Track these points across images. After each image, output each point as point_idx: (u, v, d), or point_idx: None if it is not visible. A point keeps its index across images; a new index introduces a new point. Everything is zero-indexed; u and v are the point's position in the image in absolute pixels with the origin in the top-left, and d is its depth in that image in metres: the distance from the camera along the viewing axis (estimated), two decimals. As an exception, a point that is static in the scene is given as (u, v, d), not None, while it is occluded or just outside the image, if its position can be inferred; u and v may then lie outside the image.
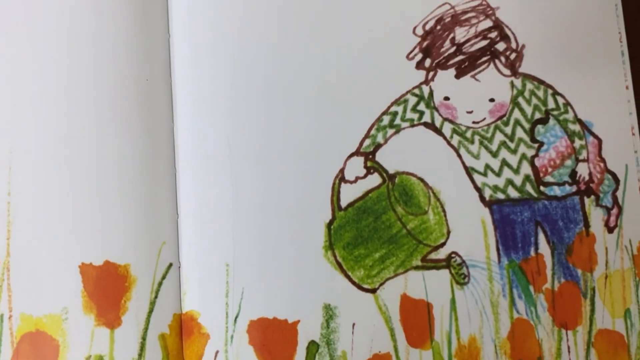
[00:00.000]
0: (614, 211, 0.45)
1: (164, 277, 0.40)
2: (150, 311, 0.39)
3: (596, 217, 0.44)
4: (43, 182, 0.39)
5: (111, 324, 0.39)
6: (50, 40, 0.41)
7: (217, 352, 0.40)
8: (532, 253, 0.44)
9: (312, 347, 0.41)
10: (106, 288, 0.39)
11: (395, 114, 0.44)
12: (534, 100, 0.45)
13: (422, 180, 0.43)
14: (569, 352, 0.42)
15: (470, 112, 0.45)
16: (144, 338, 0.39)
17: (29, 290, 0.38)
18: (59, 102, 0.40)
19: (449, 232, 0.43)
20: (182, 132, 0.42)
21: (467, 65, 0.45)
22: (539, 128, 0.45)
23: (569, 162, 0.45)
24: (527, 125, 0.45)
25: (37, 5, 0.41)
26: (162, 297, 0.40)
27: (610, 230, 0.44)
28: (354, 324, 0.41)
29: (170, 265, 0.40)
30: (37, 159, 0.40)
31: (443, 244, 0.43)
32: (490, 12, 0.46)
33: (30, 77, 0.40)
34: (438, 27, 0.45)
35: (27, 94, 0.40)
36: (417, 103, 0.44)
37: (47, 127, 0.40)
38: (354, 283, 0.42)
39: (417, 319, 0.42)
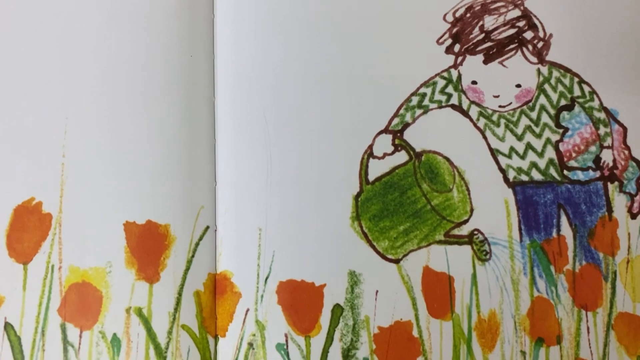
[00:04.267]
0: (638, 198, 0.46)
1: (200, 239, 0.44)
2: (187, 269, 0.43)
3: (619, 202, 0.46)
4: (94, 146, 0.44)
5: (150, 279, 0.43)
6: (104, 18, 0.46)
7: (247, 310, 0.44)
8: (554, 234, 0.46)
9: (337, 310, 0.44)
10: (147, 245, 0.43)
11: (424, 95, 0.47)
12: (560, 88, 0.48)
13: (447, 159, 0.46)
14: (588, 332, 0.44)
15: (497, 97, 0.47)
16: (180, 294, 0.43)
17: (78, 244, 0.43)
18: (110, 74, 0.45)
19: (472, 210, 0.46)
20: (221, 106, 0.46)
21: (495, 52, 0.48)
22: (564, 114, 0.48)
23: (593, 149, 0.47)
24: (552, 111, 0.47)
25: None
26: (198, 256, 0.44)
27: (634, 216, 0.46)
28: (377, 291, 0.44)
29: (207, 227, 0.44)
30: (90, 125, 0.44)
31: (466, 221, 0.45)
32: (519, 1, 0.49)
33: (85, 51, 0.45)
34: (468, 15, 0.49)
35: (81, 67, 0.45)
36: (446, 86, 0.48)
37: (99, 97, 0.45)
38: (378, 253, 0.45)
39: (438, 291, 0.44)
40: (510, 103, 0.47)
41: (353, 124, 0.46)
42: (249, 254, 0.44)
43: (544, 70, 0.48)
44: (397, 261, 0.45)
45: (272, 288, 0.44)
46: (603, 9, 0.48)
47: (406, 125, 0.47)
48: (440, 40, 0.48)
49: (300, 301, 0.43)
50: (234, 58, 0.47)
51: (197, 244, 0.44)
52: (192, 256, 0.43)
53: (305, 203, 0.45)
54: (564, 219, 0.46)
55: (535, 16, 0.48)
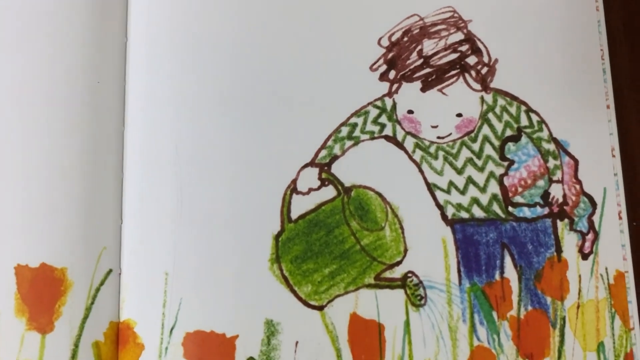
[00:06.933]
0: (590, 237, 0.44)
1: (102, 283, 0.41)
2: (85, 317, 0.40)
3: (569, 242, 0.44)
4: (-13, 180, 0.41)
5: (43, 329, 0.39)
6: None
7: (150, 363, 0.41)
8: (497, 277, 0.43)
9: (251, 364, 0.41)
10: (41, 291, 0.40)
11: (354, 125, 0.45)
12: (506, 117, 0.46)
13: (379, 194, 0.44)
14: (534, 385, 0.42)
15: (435, 127, 0.45)
16: (76, 345, 0.40)
17: (-38, 289, 0.39)
18: (5, 99, 0.42)
19: (406, 250, 0.43)
20: (131, 136, 0.43)
21: (434, 79, 0.46)
22: (510, 146, 0.45)
23: (541, 183, 0.45)
24: (496, 143, 0.45)
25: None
26: (98, 303, 0.40)
27: (585, 256, 0.44)
28: (297, 342, 0.41)
29: (110, 271, 0.41)
30: (-17, 158, 0.41)
31: (399, 263, 0.43)
32: (462, 24, 0.47)
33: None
34: (405, 39, 0.46)
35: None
36: (379, 115, 0.45)
37: (-3, 127, 0.42)
38: (299, 299, 0.42)
39: (366, 340, 0.42)
40: (450, 134, 0.45)
41: (275, 156, 0.44)
42: (153, 300, 0.41)
43: (488, 98, 0.46)
44: (320, 308, 0.42)
45: (177, 340, 0.41)
46: (553, 32, 0.47)
47: (334, 157, 0.44)
48: (374, 67, 0.46)
49: (208, 355, 0.40)
50: (146, 84, 0.44)
51: (97, 290, 0.41)
52: (92, 303, 0.40)
53: (218, 244, 0.42)
54: (508, 260, 0.43)
55: (479, 40, 0.47)
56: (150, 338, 0.41)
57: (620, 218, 0.44)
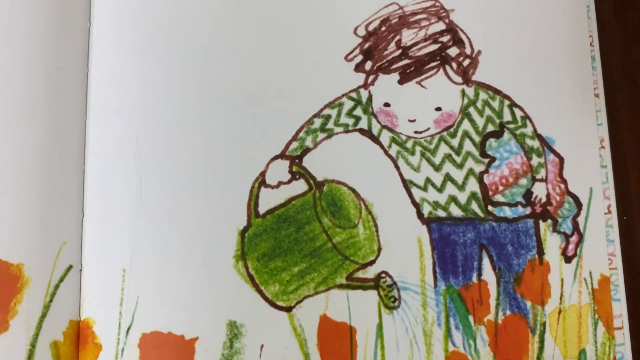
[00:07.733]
0: (574, 239, 0.43)
1: (61, 280, 0.39)
2: (43, 316, 0.39)
3: (552, 244, 0.42)
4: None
5: (-3, 328, 0.38)
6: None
7: (107, 364, 0.39)
8: (475, 279, 0.42)
9: (212, 368, 0.39)
10: (-5, 288, 0.38)
11: (328, 117, 0.43)
12: (487, 112, 0.44)
13: (353, 190, 0.42)
14: (511, 393, 0.40)
15: (413, 121, 0.44)
16: (33, 345, 0.38)
17: None
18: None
19: (379, 249, 0.42)
20: (94, 126, 0.42)
21: (412, 71, 0.44)
22: (491, 142, 0.44)
23: (523, 181, 0.43)
24: (477, 138, 0.44)
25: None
26: (58, 301, 0.39)
27: (568, 259, 0.42)
28: (262, 346, 0.40)
29: (70, 267, 0.40)
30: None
31: (372, 262, 0.41)
32: (444, 14, 0.45)
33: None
34: (383, 28, 0.45)
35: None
36: (354, 107, 0.43)
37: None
38: (266, 299, 0.41)
39: (337, 344, 0.40)
40: (428, 128, 0.44)
41: (243, 148, 0.42)
42: (111, 298, 0.40)
43: (470, 91, 0.44)
44: (289, 309, 0.41)
45: (134, 341, 0.39)
46: (539, 21, 0.45)
47: (306, 150, 0.43)
48: (350, 57, 0.44)
49: (166, 358, 0.39)
50: (110, 71, 0.42)
51: (56, 287, 0.39)
52: (50, 301, 0.39)
53: (179, 239, 0.41)
54: (486, 262, 0.42)
55: (461, 30, 0.45)
56: (107, 338, 0.39)
57: (609, 212, 0.42)
